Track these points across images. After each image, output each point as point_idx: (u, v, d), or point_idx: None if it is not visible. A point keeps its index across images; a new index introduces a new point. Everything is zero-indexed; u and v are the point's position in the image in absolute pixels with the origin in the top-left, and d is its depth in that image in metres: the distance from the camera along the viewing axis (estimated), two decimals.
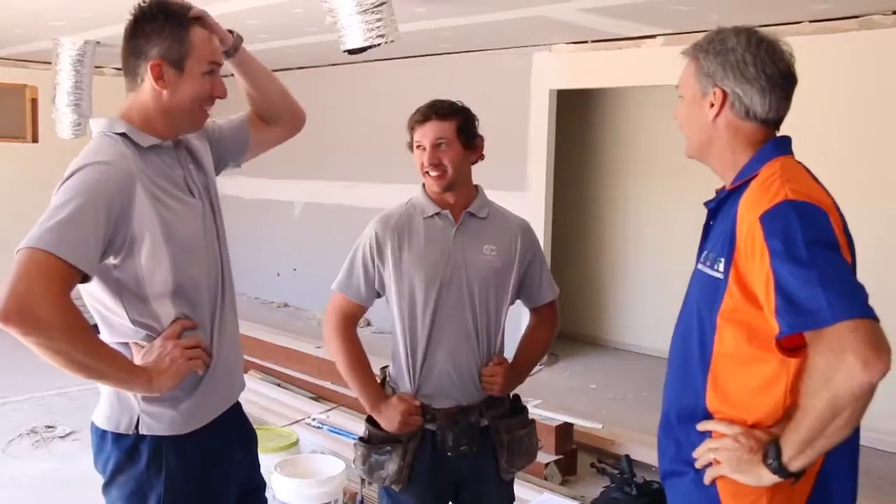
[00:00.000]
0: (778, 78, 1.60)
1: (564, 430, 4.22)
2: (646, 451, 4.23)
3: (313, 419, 4.45)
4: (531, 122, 6.38)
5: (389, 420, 2.32)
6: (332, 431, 4.31)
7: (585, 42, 6.03)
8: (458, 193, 2.36)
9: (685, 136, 1.74)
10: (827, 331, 1.33)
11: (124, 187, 1.71)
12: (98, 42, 6.61)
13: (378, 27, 4.09)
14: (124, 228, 1.71)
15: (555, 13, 5.05)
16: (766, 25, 5.12)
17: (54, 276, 1.56)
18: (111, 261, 1.72)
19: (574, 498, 3.72)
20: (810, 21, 4.91)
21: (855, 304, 1.33)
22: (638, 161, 7.05)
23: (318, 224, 8.21)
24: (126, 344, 1.82)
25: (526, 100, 6.40)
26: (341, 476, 3.54)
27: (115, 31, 6.05)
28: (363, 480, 2.47)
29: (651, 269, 6.97)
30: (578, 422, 4.47)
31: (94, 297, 1.80)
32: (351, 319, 2.40)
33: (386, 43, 4.17)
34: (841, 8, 4.64)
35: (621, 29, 5.46)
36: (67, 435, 4.75)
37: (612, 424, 4.75)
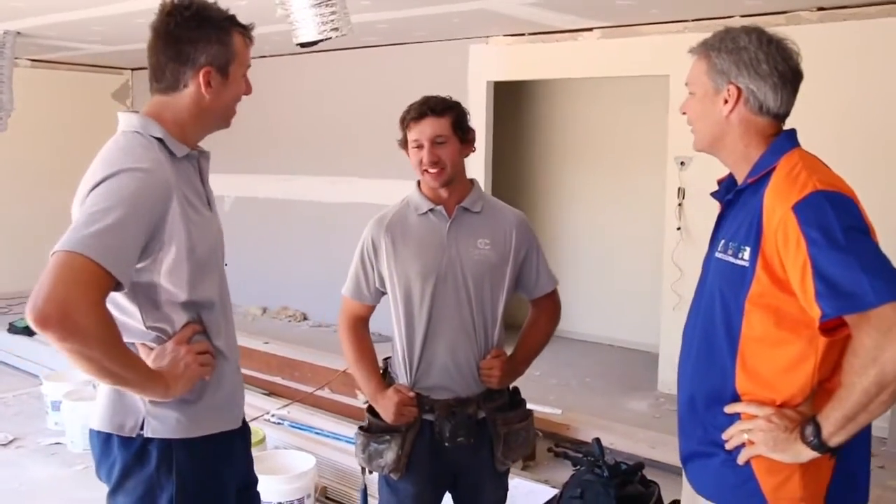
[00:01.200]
0: (789, 74, 1.70)
1: None
2: (601, 434, 4.35)
3: (272, 415, 4.42)
4: (469, 113, 6.42)
5: (385, 411, 2.38)
6: (293, 427, 4.29)
7: (523, 34, 6.12)
8: (453, 188, 2.39)
9: (694, 129, 1.81)
10: (872, 312, 1.43)
11: (164, 198, 1.69)
12: (18, 32, 6.34)
13: (332, 20, 4.06)
14: (157, 239, 1.69)
15: (497, 6, 5.12)
16: (700, 19, 5.33)
17: (93, 282, 1.53)
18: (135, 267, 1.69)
19: (539, 482, 3.81)
20: (741, 16, 5.12)
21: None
22: (572, 151, 7.21)
23: (250, 218, 8.08)
24: (133, 344, 1.79)
25: (463, 92, 6.43)
26: (313, 471, 3.55)
27: (39, 21, 5.84)
28: (363, 469, 2.50)
29: (585, 257, 7.14)
30: (538, 408, 4.56)
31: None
32: (359, 320, 2.50)
33: (339, 36, 4.15)
34: (770, 4, 4.86)
35: (560, 22, 5.56)
36: (10, 442, 4.57)
37: (561, 409, 4.87)
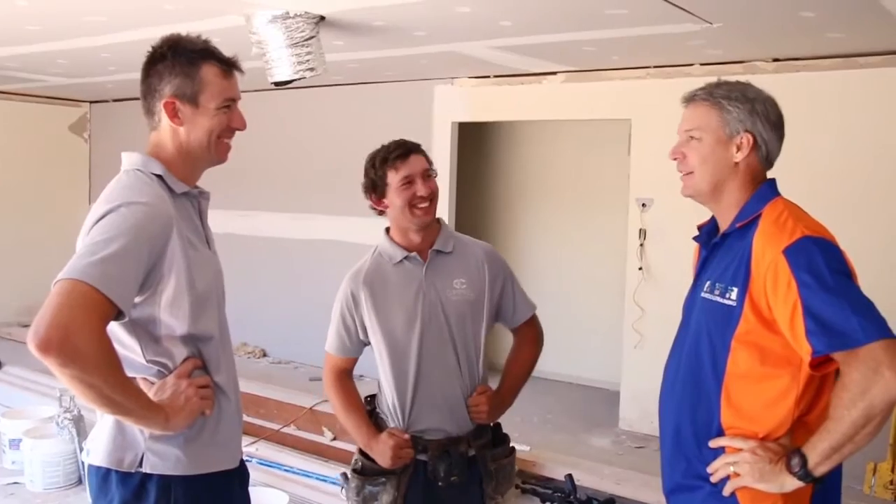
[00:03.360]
0: (783, 128, 1.82)
1: None
2: (567, 470, 4.38)
3: None
4: (433, 153, 6.41)
5: (382, 455, 2.38)
6: (261, 464, 4.26)
7: (488, 77, 6.25)
8: (425, 231, 2.43)
9: (694, 174, 1.85)
10: (861, 350, 1.53)
11: (165, 231, 1.72)
12: None
13: (308, 60, 4.13)
14: (157, 271, 1.72)
15: (464, 49, 5.22)
16: (661, 66, 5.50)
17: (94, 309, 1.56)
18: (135, 300, 1.72)
19: None
20: (701, 64, 5.31)
21: (882, 326, 1.54)
22: (535, 192, 7.33)
23: None
24: (134, 378, 1.79)
25: (428, 132, 6.53)
26: None
27: (2, 52, 5.80)
28: None
29: (547, 296, 7.17)
30: None
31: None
32: (344, 373, 2.53)
33: (314, 75, 4.22)
34: (729, 54, 5.05)
35: (526, 65, 5.69)
36: None
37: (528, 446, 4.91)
